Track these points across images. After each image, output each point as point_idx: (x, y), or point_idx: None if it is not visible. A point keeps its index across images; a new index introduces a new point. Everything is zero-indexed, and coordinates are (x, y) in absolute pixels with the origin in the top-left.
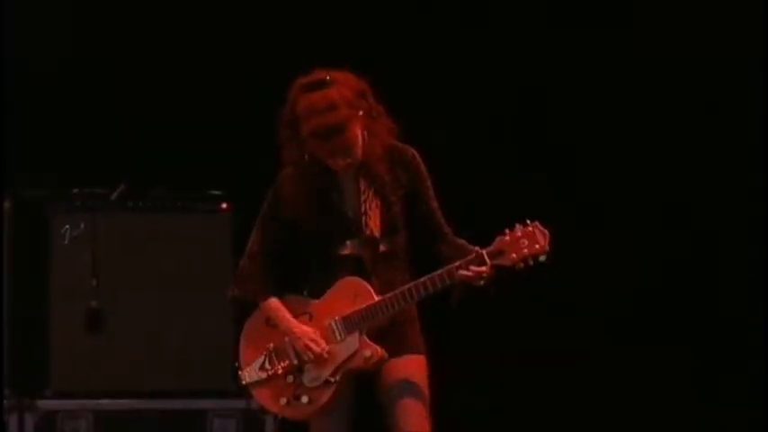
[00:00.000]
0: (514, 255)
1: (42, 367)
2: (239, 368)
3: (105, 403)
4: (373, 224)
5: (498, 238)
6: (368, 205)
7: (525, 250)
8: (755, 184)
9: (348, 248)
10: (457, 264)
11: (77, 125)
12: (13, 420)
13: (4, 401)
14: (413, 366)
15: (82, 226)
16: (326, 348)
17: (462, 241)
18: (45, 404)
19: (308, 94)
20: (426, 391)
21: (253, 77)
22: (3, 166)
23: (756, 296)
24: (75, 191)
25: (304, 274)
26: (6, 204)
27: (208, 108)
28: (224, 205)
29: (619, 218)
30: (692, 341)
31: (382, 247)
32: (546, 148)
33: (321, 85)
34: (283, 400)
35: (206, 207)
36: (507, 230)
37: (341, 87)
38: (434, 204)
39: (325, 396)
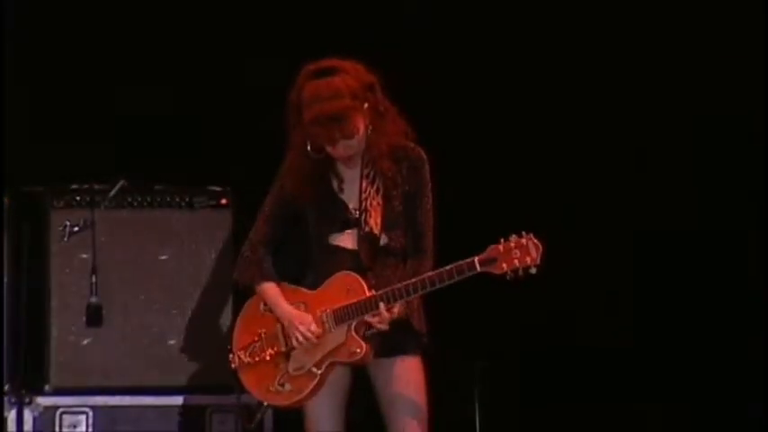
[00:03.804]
0: (505, 265)
1: (42, 363)
2: (230, 351)
3: (104, 399)
4: (373, 221)
5: (491, 247)
6: (369, 201)
7: (516, 261)
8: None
9: (346, 240)
10: (449, 267)
11: (77, 121)
12: (12, 416)
13: (4, 397)
14: (409, 369)
15: (81, 222)
16: (316, 334)
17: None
18: (44, 400)
19: (314, 80)
20: (424, 395)
21: (253, 73)
22: (2, 162)
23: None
24: (75, 187)
25: (304, 263)
26: (5, 200)
27: (208, 103)
28: (224, 201)
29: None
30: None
31: (381, 244)
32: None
33: (328, 72)
34: (269, 387)
35: (206, 203)
36: (501, 239)
37: (347, 77)
38: (424, 215)
39: (309, 386)
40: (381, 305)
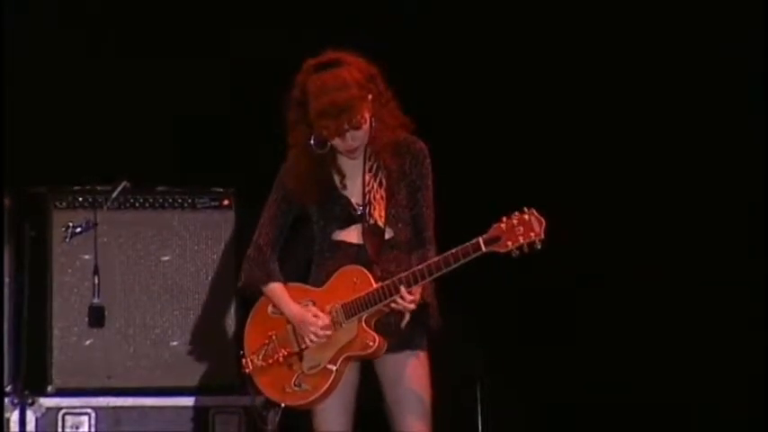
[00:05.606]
0: (510, 242)
1: (44, 364)
2: (243, 356)
3: (107, 400)
4: (378, 213)
5: (494, 226)
6: (372, 194)
7: (521, 237)
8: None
9: (351, 235)
10: (454, 250)
11: (79, 121)
12: (15, 417)
13: (6, 398)
14: (415, 364)
15: (84, 223)
16: (328, 330)
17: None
18: (47, 401)
19: (319, 74)
20: (428, 390)
21: (254, 72)
22: (3, 163)
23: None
24: (77, 188)
25: (309, 262)
26: (7, 201)
27: (209, 103)
28: (226, 201)
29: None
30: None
31: (386, 237)
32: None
33: (332, 65)
34: (285, 388)
35: (208, 203)
36: (504, 218)
37: (351, 69)
38: (427, 207)
39: (325, 383)
40: (402, 288)
